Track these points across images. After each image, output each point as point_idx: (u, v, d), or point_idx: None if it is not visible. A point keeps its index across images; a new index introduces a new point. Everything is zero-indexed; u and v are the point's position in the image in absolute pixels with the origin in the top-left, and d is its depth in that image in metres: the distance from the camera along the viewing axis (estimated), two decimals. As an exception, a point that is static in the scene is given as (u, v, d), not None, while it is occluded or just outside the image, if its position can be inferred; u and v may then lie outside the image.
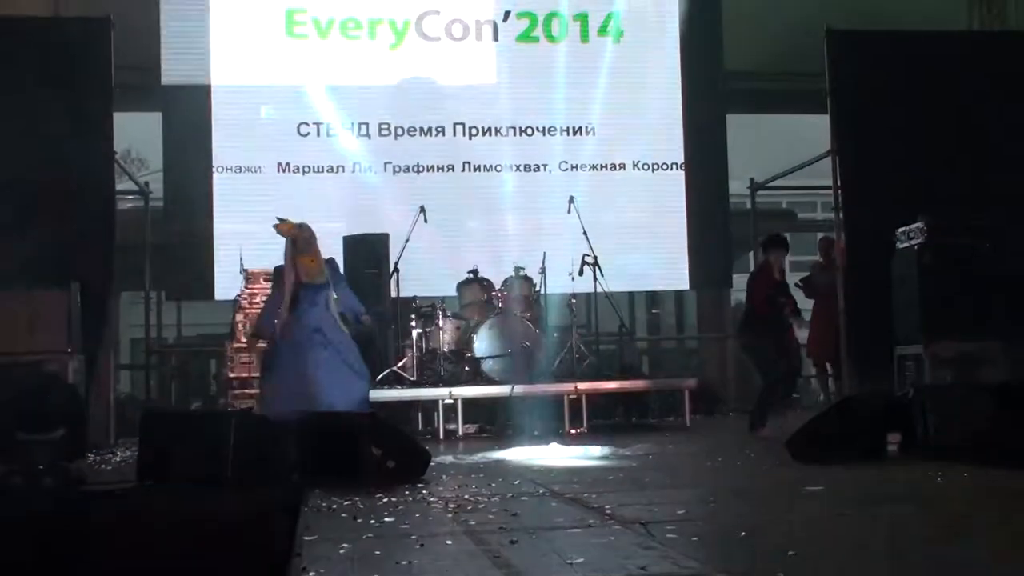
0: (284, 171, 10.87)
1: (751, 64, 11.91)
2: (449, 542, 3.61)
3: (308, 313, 7.57)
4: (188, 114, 10.78)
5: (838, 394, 9.24)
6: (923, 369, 7.76)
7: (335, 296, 7.76)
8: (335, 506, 4.47)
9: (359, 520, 4.09)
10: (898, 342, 8.16)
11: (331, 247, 8.55)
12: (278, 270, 8.01)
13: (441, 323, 9.08)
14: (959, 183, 8.56)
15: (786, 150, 12.71)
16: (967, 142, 8.80)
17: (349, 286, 8.16)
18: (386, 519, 4.12)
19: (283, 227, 7.66)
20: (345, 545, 3.55)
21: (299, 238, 7.65)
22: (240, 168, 10.80)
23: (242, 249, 9.73)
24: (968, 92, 8.92)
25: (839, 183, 9.04)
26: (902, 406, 6.04)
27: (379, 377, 8.71)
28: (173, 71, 10.82)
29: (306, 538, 3.65)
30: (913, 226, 8.12)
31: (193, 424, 5.82)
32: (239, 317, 9.52)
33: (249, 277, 9.54)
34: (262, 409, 7.52)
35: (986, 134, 8.82)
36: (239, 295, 9.61)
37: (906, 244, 8.19)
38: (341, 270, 8.54)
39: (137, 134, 13.37)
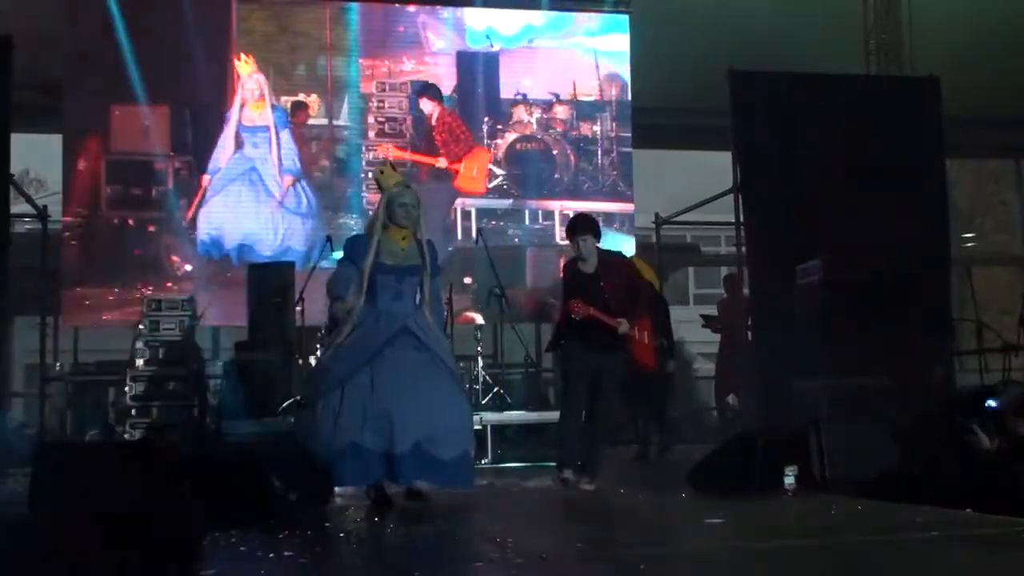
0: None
1: (656, 100, 12.12)
2: (350, 577, 3.58)
3: (392, 307, 5.49)
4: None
5: (738, 426, 9.39)
6: (821, 404, 7.92)
7: (427, 290, 5.61)
8: (235, 539, 4.39)
9: (259, 554, 4.02)
10: (797, 376, 8.33)
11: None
12: (353, 243, 5.73)
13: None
14: (857, 222, 8.80)
15: (690, 185, 12.93)
16: (865, 181, 9.05)
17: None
18: (286, 553, 4.05)
19: (384, 179, 5.63)
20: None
21: (393, 203, 5.54)
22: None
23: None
24: (866, 133, 9.21)
25: (741, 219, 9.23)
26: (800, 440, 6.15)
27: (282, 407, 8.59)
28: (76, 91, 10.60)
29: (204, 574, 3.57)
30: (811, 263, 8.31)
31: (89, 454, 5.66)
32: (138, 344, 9.31)
33: (150, 304, 9.35)
34: (303, 439, 5.62)
35: (882, 174, 9.09)
36: (139, 321, 9.40)
37: (805, 281, 8.38)
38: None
39: (36, 155, 13.05)
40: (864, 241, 8.59)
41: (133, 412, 9.13)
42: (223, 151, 10.90)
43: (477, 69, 11.57)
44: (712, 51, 10.43)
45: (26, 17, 9.68)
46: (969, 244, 15.88)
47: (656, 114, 12.41)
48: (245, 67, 11.05)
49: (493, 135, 11.49)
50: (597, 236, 6.62)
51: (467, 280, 10.97)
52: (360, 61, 11.31)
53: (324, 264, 9.59)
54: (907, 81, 10.72)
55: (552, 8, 11.74)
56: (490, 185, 11.43)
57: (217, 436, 8.28)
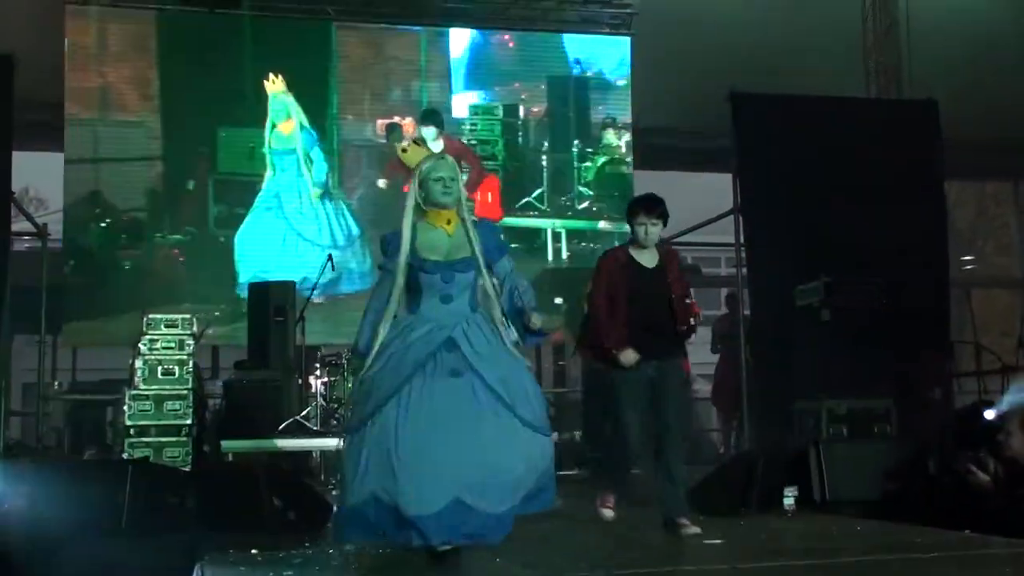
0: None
1: (657, 121, 12.16)
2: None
3: (438, 312, 4.33)
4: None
5: (739, 447, 9.39)
6: (820, 424, 7.92)
7: (494, 283, 4.46)
8: (233, 558, 4.38)
9: (258, 573, 4.01)
10: (797, 397, 8.33)
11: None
12: (387, 241, 4.51)
13: (346, 372, 9.01)
14: (857, 243, 8.82)
15: (691, 206, 12.96)
16: (864, 203, 9.08)
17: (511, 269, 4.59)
18: (285, 572, 4.05)
19: (409, 157, 4.90)
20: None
21: (427, 179, 4.41)
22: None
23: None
24: (865, 155, 9.24)
25: (741, 241, 9.26)
26: (800, 461, 6.16)
27: (281, 427, 8.58)
28: (76, 110, 10.65)
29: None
30: (811, 284, 8.33)
31: (88, 473, 5.66)
32: (138, 363, 9.29)
33: (149, 323, 9.34)
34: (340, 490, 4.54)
35: (882, 196, 9.12)
36: (137, 340, 9.39)
37: (805, 302, 8.39)
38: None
39: (37, 173, 13.08)
40: (864, 263, 8.61)
41: (131, 431, 9.12)
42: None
43: (567, 94, 11.72)
44: (713, 73, 10.48)
45: (27, 36, 9.74)
46: (969, 266, 15.90)
47: (657, 135, 12.46)
48: (273, 87, 10.91)
49: (583, 159, 11.60)
50: (665, 223, 5.49)
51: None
52: (453, 85, 11.41)
53: (323, 283, 9.62)
54: (906, 104, 10.78)
55: (554, 31, 11.79)
56: (579, 207, 11.53)
57: (216, 455, 8.26)
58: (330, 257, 9.66)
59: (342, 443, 4.40)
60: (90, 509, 4.98)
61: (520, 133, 11.56)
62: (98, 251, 10.61)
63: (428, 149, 4.33)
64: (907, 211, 9.21)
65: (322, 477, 8.77)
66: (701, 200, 12.33)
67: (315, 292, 9.52)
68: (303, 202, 10.90)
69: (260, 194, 10.83)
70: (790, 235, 8.98)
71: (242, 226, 10.74)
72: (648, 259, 5.44)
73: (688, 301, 5.49)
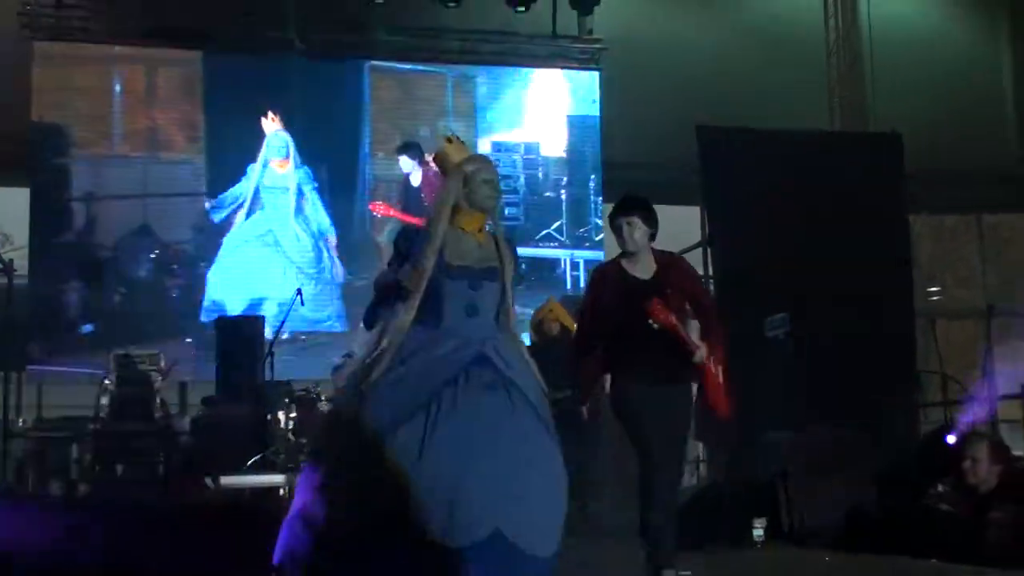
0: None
1: (625, 155, 12.25)
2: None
3: (464, 326, 3.76)
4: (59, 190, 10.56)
5: (708, 478, 9.40)
6: (788, 455, 7.94)
7: (510, 300, 3.94)
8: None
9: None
10: (764, 428, 8.35)
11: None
12: (408, 238, 3.97)
13: (316, 407, 8.95)
14: (823, 276, 8.89)
15: (660, 240, 13.02)
16: (831, 236, 9.16)
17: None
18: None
19: (450, 156, 4.05)
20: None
21: (473, 179, 3.94)
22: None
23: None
24: (831, 189, 9.32)
25: (710, 273, 9.31)
26: (768, 492, 6.18)
27: (249, 463, 8.51)
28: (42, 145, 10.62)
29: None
30: (779, 316, 8.38)
31: (55, 510, 5.60)
32: (103, 400, 9.22)
33: (117, 359, 9.27)
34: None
35: (848, 229, 9.20)
36: (104, 376, 9.32)
37: (772, 333, 8.44)
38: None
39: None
40: (831, 295, 8.67)
41: (97, 468, 9.03)
42: (240, 211, 10.90)
43: (587, 131, 11.97)
44: (680, 107, 10.60)
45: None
46: (934, 298, 16.04)
47: (625, 169, 12.54)
48: (271, 125, 10.99)
49: (599, 192, 11.83)
50: (650, 223, 4.84)
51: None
52: (478, 122, 11.71)
53: (292, 318, 9.59)
54: (870, 137, 10.92)
55: (522, 66, 11.89)
56: (596, 238, 11.76)
57: (183, 492, 8.19)
58: (299, 291, 9.64)
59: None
60: (58, 547, 4.92)
61: (540, 169, 11.89)
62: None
63: (469, 149, 4.17)
64: (873, 243, 9.29)
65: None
66: (669, 233, 12.34)
67: (283, 327, 9.48)
68: (299, 239, 10.99)
69: (240, 227, 10.84)
70: (758, 267, 9.03)
71: (218, 259, 10.76)
72: (642, 269, 4.78)
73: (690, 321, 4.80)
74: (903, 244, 9.97)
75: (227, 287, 10.70)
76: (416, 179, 11.09)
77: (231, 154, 10.91)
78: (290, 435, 8.97)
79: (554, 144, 11.93)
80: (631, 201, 4.87)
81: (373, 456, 3.45)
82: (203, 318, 10.47)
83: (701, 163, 9.36)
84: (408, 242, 3.87)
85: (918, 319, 9.95)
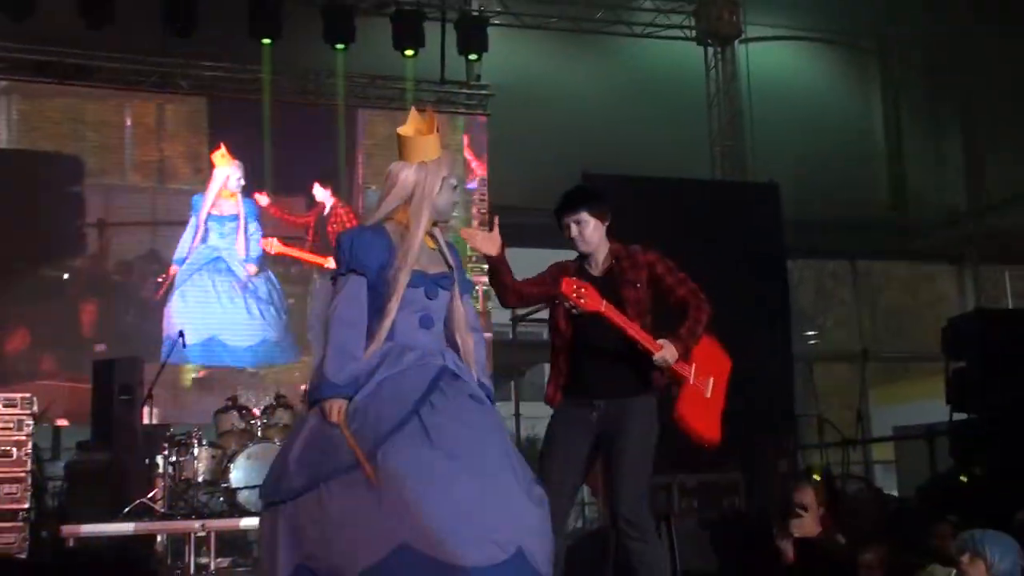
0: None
1: (513, 199, 12.38)
2: None
3: (416, 339, 3.40)
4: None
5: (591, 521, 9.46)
6: (671, 498, 8.06)
7: (464, 310, 3.59)
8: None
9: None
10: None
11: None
12: (360, 242, 3.46)
13: (196, 452, 8.74)
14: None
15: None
16: (712, 281, 9.31)
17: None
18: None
19: (428, 140, 3.66)
20: None
21: (447, 184, 3.61)
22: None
23: None
24: (713, 235, 9.56)
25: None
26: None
27: (126, 510, 8.25)
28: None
29: None
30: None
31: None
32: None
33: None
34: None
35: (729, 274, 9.42)
36: None
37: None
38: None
39: None
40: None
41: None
42: (189, 241, 10.95)
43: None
44: (566, 154, 10.76)
45: None
46: (812, 342, 16.53)
47: (514, 213, 12.65)
48: (221, 159, 11.05)
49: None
50: (602, 216, 4.33)
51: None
52: (467, 158, 11.87)
53: (175, 360, 9.40)
54: (749, 186, 11.25)
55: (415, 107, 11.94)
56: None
57: (55, 542, 7.89)
58: (181, 333, 9.44)
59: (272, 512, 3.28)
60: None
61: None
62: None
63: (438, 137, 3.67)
64: (752, 288, 9.54)
65: (168, 562, 8.47)
66: (556, 277, 12.50)
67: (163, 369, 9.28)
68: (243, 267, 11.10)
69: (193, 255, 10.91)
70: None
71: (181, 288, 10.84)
72: (597, 267, 4.35)
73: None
74: (782, 288, 10.27)
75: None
76: (328, 208, 11.24)
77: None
78: (170, 480, 8.75)
79: None
80: (576, 195, 4.41)
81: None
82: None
83: (587, 209, 9.48)
84: (364, 250, 3.40)
85: (797, 362, 10.24)
